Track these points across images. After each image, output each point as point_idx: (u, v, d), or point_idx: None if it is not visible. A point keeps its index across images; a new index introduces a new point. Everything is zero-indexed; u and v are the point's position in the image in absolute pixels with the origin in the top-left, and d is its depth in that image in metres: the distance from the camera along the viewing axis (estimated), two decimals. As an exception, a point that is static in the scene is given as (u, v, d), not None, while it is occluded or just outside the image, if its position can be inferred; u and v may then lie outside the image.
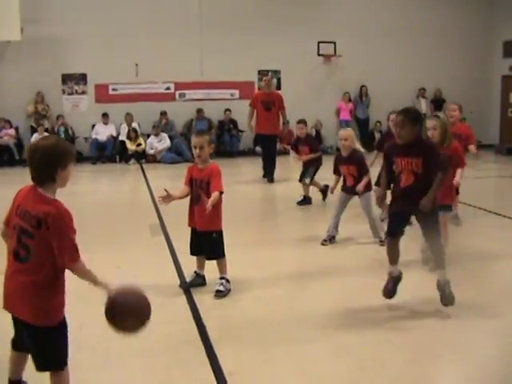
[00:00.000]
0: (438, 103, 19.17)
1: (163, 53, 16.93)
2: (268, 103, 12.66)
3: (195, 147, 5.59)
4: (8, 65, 16.24)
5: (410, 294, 5.41)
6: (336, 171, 7.62)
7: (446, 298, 5.10)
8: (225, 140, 17.66)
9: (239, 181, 12.82)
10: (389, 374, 4.15)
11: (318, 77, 18.27)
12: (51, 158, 3.31)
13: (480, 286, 5.98)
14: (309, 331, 4.85)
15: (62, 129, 16.56)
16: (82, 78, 17.13)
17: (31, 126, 16.43)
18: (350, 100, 18.52)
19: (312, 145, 10.29)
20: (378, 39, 18.37)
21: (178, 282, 6.02)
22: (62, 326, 3.43)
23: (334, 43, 18.16)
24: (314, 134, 18.02)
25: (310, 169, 10.02)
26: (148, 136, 16.84)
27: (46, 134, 16.00)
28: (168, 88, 17.72)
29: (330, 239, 7.42)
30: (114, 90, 17.31)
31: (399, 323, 4.95)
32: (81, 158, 16.69)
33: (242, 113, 17.39)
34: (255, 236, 8.18)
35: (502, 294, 5.71)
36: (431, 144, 5.40)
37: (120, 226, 8.88)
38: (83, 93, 17.24)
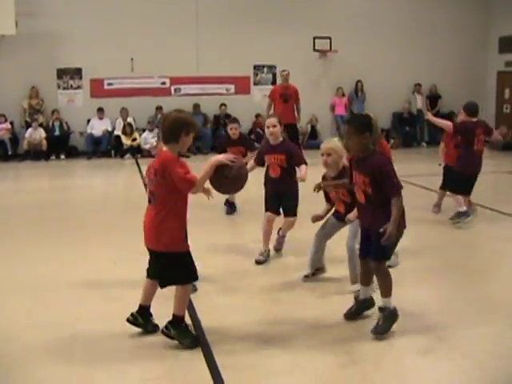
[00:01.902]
0: (433, 99, 19.18)
1: (159, 47, 16.88)
2: (286, 96, 13.54)
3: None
4: (2, 59, 16.14)
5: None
6: (327, 198, 5.92)
7: (379, 328, 4.65)
8: (220, 135, 17.60)
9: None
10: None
11: (313, 72, 18.25)
12: (177, 125, 4.29)
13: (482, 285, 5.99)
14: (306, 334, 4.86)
15: (57, 123, 16.49)
16: (77, 73, 17.06)
17: (26, 121, 16.37)
18: (343, 95, 18.50)
19: (247, 145, 9.22)
20: (373, 35, 18.35)
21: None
22: None
23: (330, 38, 18.13)
24: (309, 129, 18.07)
25: None
26: (143, 131, 16.81)
27: (40, 128, 16.01)
28: (163, 83, 17.67)
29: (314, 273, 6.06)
30: (109, 84, 17.25)
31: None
32: (76, 153, 16.70)
33: (238, 107, 17.49)
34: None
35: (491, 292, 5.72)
36: (381, 161, 4.63)
37: (116, 220, 8.87)
38: (78, 87, 17.17)
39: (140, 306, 4.66)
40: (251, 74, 18.28)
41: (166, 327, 4.45)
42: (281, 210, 6.70)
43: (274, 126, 6.57)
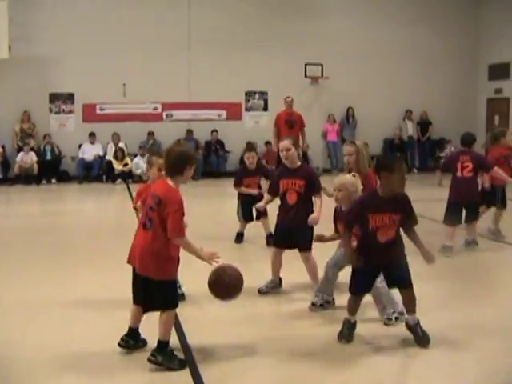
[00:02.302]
0: (424, 125, 19.32)
1: (151, 73, 16.97)
2: (291, 122, 13.48)
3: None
4: (-5, 83, 16.23)
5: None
6: (337, 229, 5.70)
7: (421, 339, 4.85)
8: (211, 160, 17.66)
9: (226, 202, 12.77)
10: None
11: (305, 98, 18.32)
12: (182, 159, 4.39)
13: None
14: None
15: (49, 148, 16.49)
16: (69, 98, 17.11)
17: (17, 145, 16.37)
18: (334, 121, 18.61)
19: (264, 173, 8.72)
20: (364, 61, 18.53)
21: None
22: None
23: (321, 65, 18.29)
24: (300, 154, 18.07)
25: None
26: (135, 156, 16.82)
27: (31, 152, 15.99)
28: (155, 108, 17.73)
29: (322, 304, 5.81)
30: (101, 109, 17.29)
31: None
32: (67, 178, 16.67)
33: (229, 133, 17.56)
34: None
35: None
36: (405, 196, 4.90)
37: (106, 245, 8.83)
38: (70, 112, 17.21)
39: (130, 329, 4.72)
40: (243, 100, 18.38)
41: (153, 355, 4.41)
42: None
43: (288, 150, 6.13)
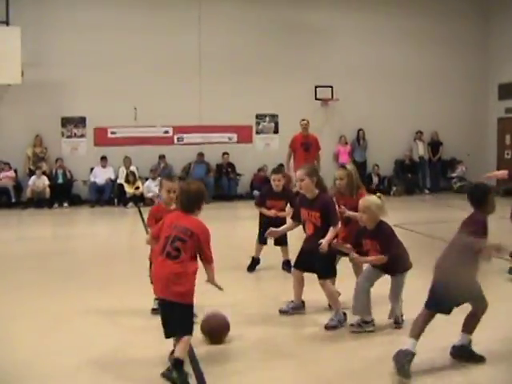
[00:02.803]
0: (435, 146, 19.29)
1: (162, 97, 17.08)
2: (307, 144, 13.48)
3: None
4: (8, 108, 16.35)
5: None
6: (356, 245, 5.83)
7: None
8: (223, 184, 17.66)
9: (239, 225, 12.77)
10: None
11: (315, 121, 18.25)
12: (199, 196, 4.90)
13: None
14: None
15: (61, 171, 16.58)
16: (81, 122, 17.23)
17: (29, 169, 16.46)
18: (346, 143, 18.60)
19: (289, 199, 8.28)
20: (374, 83, 18.58)
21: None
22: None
23: (332, 87, 18.34)
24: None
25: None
26: (146, 179, 16.86)
27: (43, 176, 16.08)
28: (166, 132, 17.80)
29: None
30: (112, 133, 17.39)
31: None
32: (79, 201, 16.73)
33: (240, 156, 17.61)
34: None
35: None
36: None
37: (118, 269, 8.81)
38: (82, 136, 17.31)
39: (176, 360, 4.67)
40: (253, 123, 18.43)
41: (169, 370, 4.60)
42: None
43: (302, 180, 5.99)
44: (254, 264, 8.41)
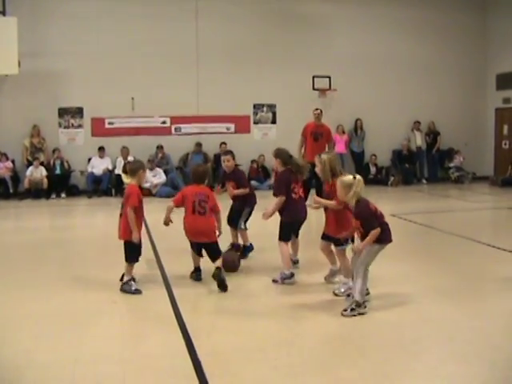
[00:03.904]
0: (432, 136, 19.30)
1: (159, 87, 17.06)
2: (317, 134, 13.36)
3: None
4: (5, 98, 16.32)
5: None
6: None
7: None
8: (221, 173, 17.62)
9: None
10: None
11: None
12: (206, 173, 7.37)
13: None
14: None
15: (58, 162, 16.55)
16: (78, 112, 17.19)
17: (27, 159, 16.45)
18: (343, 132, 18.58)
19: (239, 180, 8.65)
20: (372, 73, 18.58)
21: (173, 312, 6.03)
22: None
23: (329, 77, 18.33)
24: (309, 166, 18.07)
25: (245, 210, 8.52)
26: (144, 169, 16.81)
27: (41, 167, 16.06)
28: (164, 122, 17.78)
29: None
30: (110, 123, 17.36)
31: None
32: (77, 192, 16.72)
33: (238, 146, 17.56)
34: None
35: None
36: None
37: (116, 259, 8.81)
38: (79, 126, 17.29)
39: (196, 268, 7.38)
40: (251, 113, 18.42)
41: (218, 270, 6.85)
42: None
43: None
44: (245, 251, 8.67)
